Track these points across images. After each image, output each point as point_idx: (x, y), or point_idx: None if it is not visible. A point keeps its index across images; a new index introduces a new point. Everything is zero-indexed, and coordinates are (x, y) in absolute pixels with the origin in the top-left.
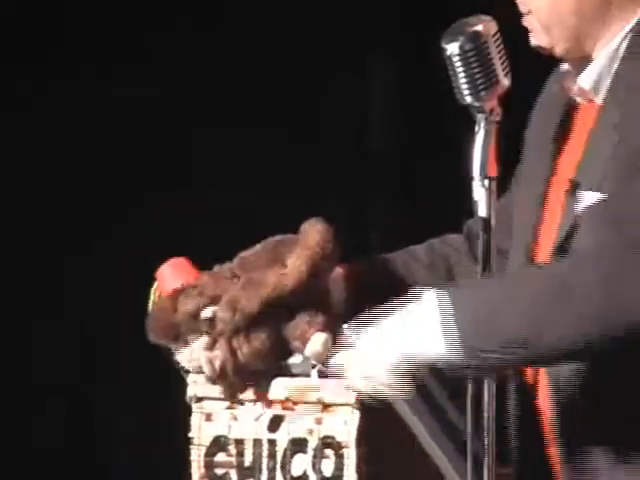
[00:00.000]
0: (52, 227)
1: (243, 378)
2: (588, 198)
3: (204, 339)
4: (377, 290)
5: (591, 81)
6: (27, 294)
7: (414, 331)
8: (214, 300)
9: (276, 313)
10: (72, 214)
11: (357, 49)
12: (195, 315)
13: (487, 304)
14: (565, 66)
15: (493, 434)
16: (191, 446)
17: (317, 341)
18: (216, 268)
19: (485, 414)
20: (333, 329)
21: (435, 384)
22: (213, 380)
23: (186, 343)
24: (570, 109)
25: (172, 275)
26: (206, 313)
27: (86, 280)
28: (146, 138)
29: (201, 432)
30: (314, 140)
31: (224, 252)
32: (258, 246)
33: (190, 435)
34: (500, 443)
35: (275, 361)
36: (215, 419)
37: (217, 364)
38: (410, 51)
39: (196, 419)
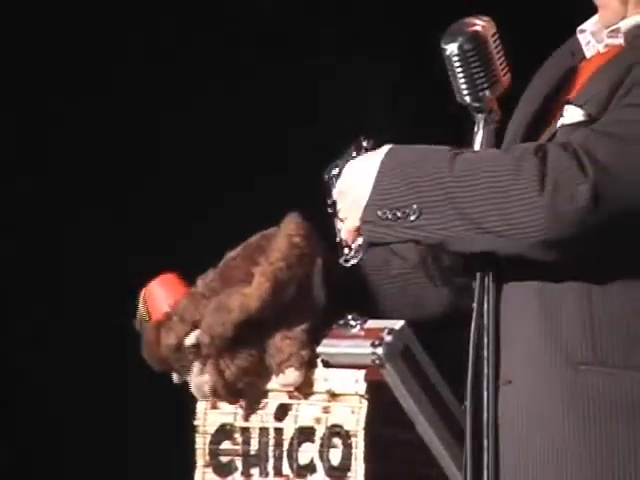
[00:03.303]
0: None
1: (235, 395)
2: (571, 113)
3: (196, 367)
4: (354, 284)
5: (630, 26)
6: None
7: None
8: (196, 325)
9: (257, 327)
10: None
11: (357, 49)
12: (179, 346)
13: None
14: (590, 26)
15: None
16: (196, 434)
17: (289, 376)
18: (200, 279)
19: (484, 414)
20: (310, 338)
21: (421, 351)
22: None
23: (182, 369)
24: (575, 68)
25: (160, 294)
26: (190, 340)
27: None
28: (146, 137)
29: (206, 420)
30: (314, 140)
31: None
32: (239, 250)
33: (195, 423)
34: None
35: (263, 374)
36: (221, 407)
37: (206, 388)
38: (410, 51)
39: (201, 407)
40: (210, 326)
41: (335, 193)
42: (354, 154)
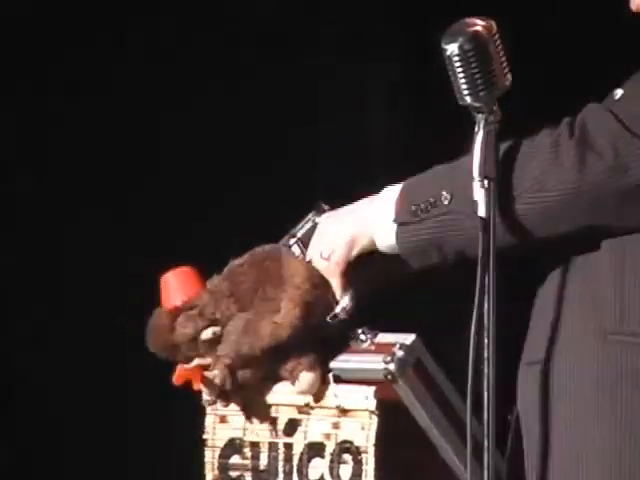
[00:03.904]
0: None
1: (241, 396)
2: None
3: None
4: (375, 279)
5: None
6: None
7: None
8: (213, 322)
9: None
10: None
11: (357, 49)
12: (195, 338)
13: None
14: None
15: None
16: (205, 448)
17: (304, 381)
18: (210, 282)
19: (485, 414)
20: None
21: (432, 362)
22: (213, 400)
23: (185, 359)
24: None
25: (176, 286)
26: (206, 335)
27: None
28: (146, 135)
29: (215, 434)
30: (314, 140)
31: (227, 257)
32: (246, 257)
33: (204, 437)
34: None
35: (270, 381)
36: (230, 421)
37: (217, 382)
38: (410, 51)
39: (210, 421)
40: (238, 346)
41: (312, 241)
42: (315, 218)
